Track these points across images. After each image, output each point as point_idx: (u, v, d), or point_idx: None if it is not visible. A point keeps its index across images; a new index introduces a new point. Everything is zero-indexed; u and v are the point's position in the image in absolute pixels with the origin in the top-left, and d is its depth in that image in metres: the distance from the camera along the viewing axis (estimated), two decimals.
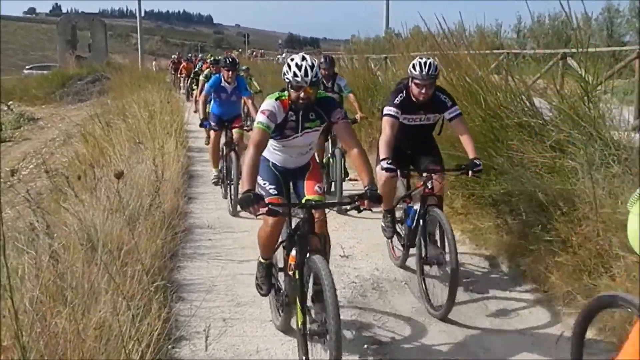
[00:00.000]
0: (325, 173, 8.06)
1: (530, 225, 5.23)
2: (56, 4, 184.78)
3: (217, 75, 8.27)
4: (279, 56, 35.30)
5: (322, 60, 7.91)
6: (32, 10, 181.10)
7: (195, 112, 17.52)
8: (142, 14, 45.37)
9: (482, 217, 6.13)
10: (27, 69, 45.65)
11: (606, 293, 3.10)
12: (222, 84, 8.01)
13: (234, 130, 7.98)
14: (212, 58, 15.66)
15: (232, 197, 7.41)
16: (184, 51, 69.94)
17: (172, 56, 33.46)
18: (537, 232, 5.06)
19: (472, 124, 6.34)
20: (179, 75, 26.08)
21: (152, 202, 5.70)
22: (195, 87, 17.07)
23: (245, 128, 7.90)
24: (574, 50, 7.44)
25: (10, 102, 26.83)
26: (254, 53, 49.27)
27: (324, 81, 7.63)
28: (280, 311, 4.24)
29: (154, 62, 39.10)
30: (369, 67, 13.21)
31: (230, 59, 8.28)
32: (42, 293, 3.17)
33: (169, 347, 3.89)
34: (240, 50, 56.94)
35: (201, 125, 8.11)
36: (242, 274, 5.40)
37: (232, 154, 7.74)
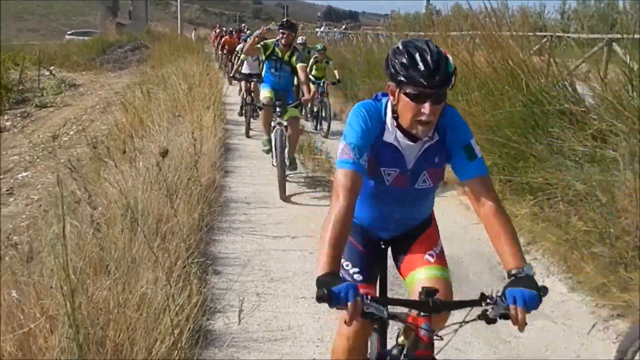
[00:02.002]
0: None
1: (567, 215, 5.19)
2: None
3: (376, 101, 2.47)
4: (317, 29, 35.02)
5: None
6: None
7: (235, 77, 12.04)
8: None
9: (518, 204, 6.08)
10: (69, 35, 46.15)
11: None
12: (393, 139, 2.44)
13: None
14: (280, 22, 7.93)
15: None
16: (223, 21, 69.89)
17: (217, 29, 29.32)
18: (573, 222, 5.02)
19: (512, 109, 6.28)
20: (219, 52, 22.31)
21: (191, 175, 5.78)
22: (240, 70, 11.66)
23: None
24: (619, 36, 7.27)
25: (52, 67, 27.21)
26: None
27: None
28: None
29: (193, 32, 39.01)
30: None
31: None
32: (85, 264, 3.27)
33: (205, 319, 4.00)
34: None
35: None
36: (275, 250, 5.49)
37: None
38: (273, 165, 7.60)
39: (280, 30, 7.58)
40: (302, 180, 7.93)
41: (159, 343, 3.10)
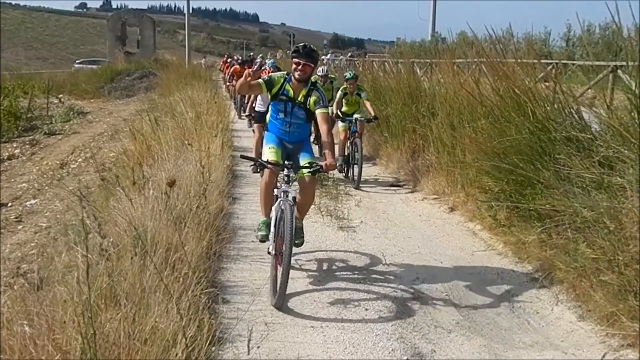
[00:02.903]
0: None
1: (575, 242, 5.17)
2: None
3: None
4: (323, 57, 35.30)
5: None
6: (83, 5, 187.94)
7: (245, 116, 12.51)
8: (190, 11, 45.99)
9: (525, 231, 6.08)
10: (78, 63, 46.78)
11: None
12: None
13: None
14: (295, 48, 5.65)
15: None
16: (230, 48, 70.45)
17: (226, 58, 27.92)
18: (582, 249, 5.01)
19: (519, 136, 6.30)
20: (228, 83, 20.91)
21: (199, 204, 5.80)
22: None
23: None
24: (624, 63, 7.30)
25: (61, 95, 27.58)
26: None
27: None
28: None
29: (204, 60, 39.39)
30: (415, 72, 13.15)
31: None
32: (96, 295, 3.28)
33: (213, 349, 3.99)
34: (288, 51, 57.04)
35: None
36: None
37: None
38: (269, 252, 5.20)
39: (295, 60, 5.24)
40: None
41: None
